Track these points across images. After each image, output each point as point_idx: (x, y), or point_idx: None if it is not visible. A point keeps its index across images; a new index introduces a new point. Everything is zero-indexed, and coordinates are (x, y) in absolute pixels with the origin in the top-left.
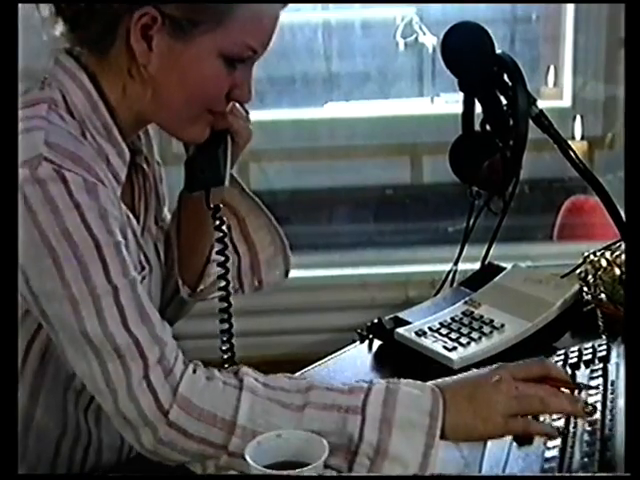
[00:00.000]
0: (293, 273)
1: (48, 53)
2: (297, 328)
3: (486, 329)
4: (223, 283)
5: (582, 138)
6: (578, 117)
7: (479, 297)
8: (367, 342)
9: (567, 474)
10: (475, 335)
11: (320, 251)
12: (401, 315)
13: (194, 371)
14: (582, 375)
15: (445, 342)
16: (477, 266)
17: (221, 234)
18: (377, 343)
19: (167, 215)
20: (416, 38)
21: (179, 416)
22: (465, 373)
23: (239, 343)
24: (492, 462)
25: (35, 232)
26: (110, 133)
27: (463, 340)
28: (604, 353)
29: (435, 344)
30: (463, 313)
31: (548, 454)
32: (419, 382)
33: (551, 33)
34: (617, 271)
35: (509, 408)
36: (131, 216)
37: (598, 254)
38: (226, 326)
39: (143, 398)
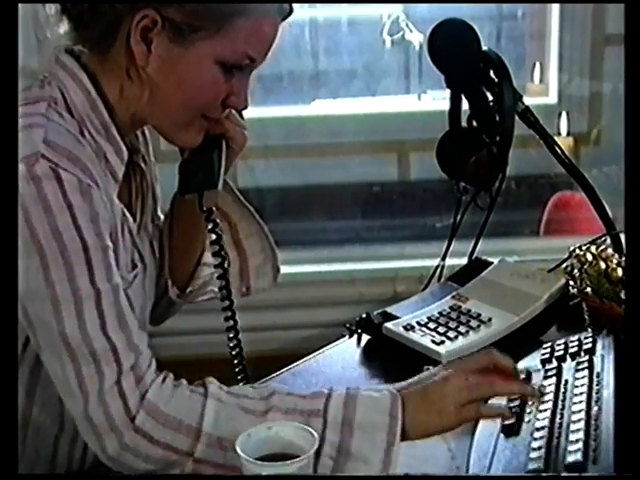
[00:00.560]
0: (282, 269)
1: (41, 52)
2: (286, 324)
3: (473, 323)
4: (223, 282)
5: (568, 134)
6: (564, 113)
7: (466, 292)
8: (356, 337)
9: (564, 474)
10: (463, 329)
11: (308, 247)
12: (389, 310)
13: (163, 380)
14: (568, 367)
15: (433, 336)
16: (464, 261)
17: (215, 236)
18: (366, 338)
19: (160, 215)
20: (403, 35)
21: (145, 422)
22: (419, 374)
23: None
24: (480, 453)
25: (26, 229)
26: (108, 132)
27: (451, 334)
28: (590, 346)
29: (423, 338)
30: (451, 307)
31: (534, 444)
32: (377, 387)
33: (537, 30)
34: (602, 265)
35: (460, 398)
36: (127, 214)
37: (584, 248)
38: (231, 323)
39: (113, 403)
